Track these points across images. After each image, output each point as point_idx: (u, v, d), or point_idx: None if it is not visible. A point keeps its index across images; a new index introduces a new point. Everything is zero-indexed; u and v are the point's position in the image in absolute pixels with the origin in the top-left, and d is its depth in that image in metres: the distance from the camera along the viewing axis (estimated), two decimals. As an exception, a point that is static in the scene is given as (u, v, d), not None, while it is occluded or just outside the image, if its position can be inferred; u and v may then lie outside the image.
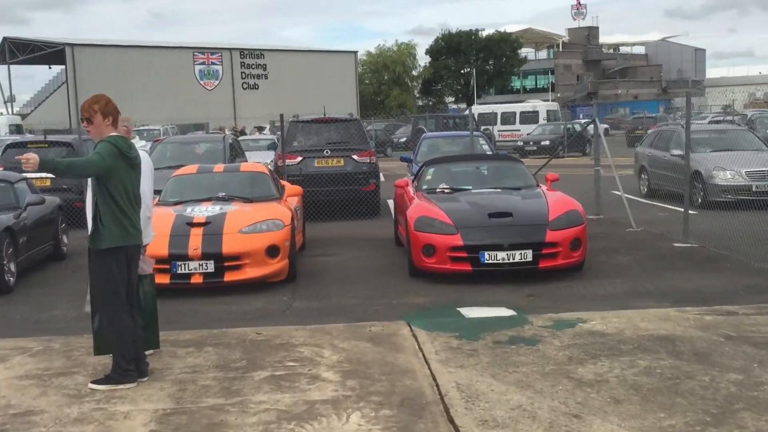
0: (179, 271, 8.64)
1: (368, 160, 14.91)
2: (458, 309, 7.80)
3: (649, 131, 34.22)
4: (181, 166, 14.20)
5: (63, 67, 62.29)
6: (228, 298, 8.58)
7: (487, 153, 15.42)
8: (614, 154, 13.85)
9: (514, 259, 8.69)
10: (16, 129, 34.14)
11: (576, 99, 79.18)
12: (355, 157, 14.85)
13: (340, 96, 67.12)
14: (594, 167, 14.10)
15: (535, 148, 32.22)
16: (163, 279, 8.64)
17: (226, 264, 8.73)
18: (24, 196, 10.66)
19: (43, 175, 14.42)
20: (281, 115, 14.35)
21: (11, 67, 65.05)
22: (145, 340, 6.04)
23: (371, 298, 8.43)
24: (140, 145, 6.33)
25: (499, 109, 42.09)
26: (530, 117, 40.22)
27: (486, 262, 8.71)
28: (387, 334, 6.78)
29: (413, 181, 11.33)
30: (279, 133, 35.92)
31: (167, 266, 8.65)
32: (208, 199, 9.98)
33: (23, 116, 55.68)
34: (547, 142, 32.21)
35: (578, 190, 13.76)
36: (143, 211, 6.16)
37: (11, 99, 65.79)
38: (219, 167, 11.20)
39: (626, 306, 7.60)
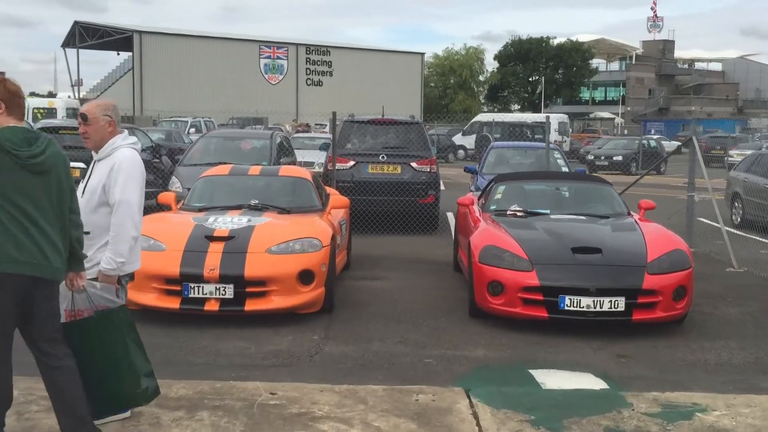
0: (191, 295, 7.09)
1: (428, 169, 13.23)
2: (530, 371, 6.09)
3: (731, 151, 32.04)
4: (222, 163, 12.81)
5: (131, 53, 62.03)
6: (247, 331, 6.99)
7: (563, 170, 13.61)
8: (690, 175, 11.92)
9: (601, 307, 6.92)
10: (74, 113, 33.15)
11: (647, 113, 76.30)
12: (413, 164, 13.17)
13: (404, 97, 65.60)
14: (687, 192, 12.16)
15: (606, 162, 30.14)
16: (172, 303, 7.12)
17: (248, 289, 7.15)
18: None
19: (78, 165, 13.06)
20: (333, 114, 12.76)
21: (82, 51, 65.14)
22: (106, 406, 4.46)
23: (422, 346, 6.75)
24: (128, 142, 4.74)
25: (510, 118, 40.31)
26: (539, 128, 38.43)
27: (566, 308, 6.96)
28: (439, 409, 5.10)
29: (479, 199, 9.62)
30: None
31: (178, 287, 7.11)
32: (238, 207, 8.43)
33: (85, 101, 55.31)
34: (620, 158, 30.07)
35: (658, 214, 11.86)
36: (127, 229, 4.59)
37: (78, 83, 65.82)
38: (255, 169, 9.63)
39: (753, 386, 5.79)
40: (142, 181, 4.70)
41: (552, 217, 8.43)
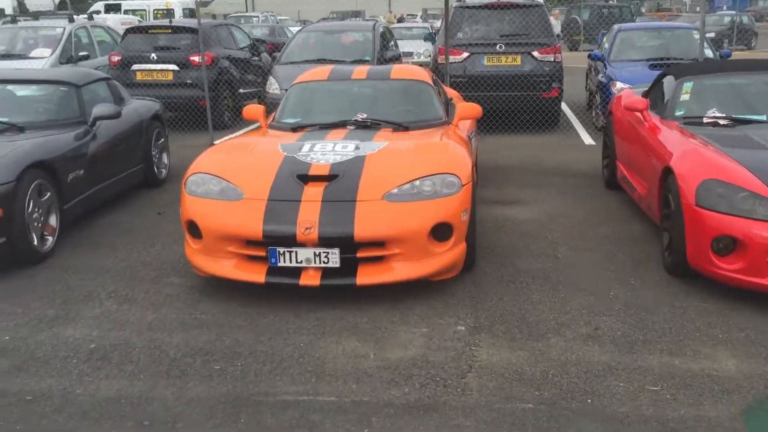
0: (281, 263, 4.13)
1: (552, 59, 9.71)
2: None
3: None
4: (321, 62, 9.67)
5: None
6: (361, 317, 4.05)
7: (711, 56, 9.85)
8: None
9: None
10: (190, 13, 29.74)
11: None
12: (535, 53, 9.67)
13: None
14: None
15: (698, 41, 25.24)
16: (255, 274, 4.18)
17: (360, 254, 4.15)
18: (97, 104, 6.30)
19: (157, 66, 10.19)
20: (446, -2, 9.26)
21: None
22: None
23: (627, 346, 3.65)
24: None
25: None
26: None
27: None
28: None
29: (646, 97, 6.18)
30: (431, 21, 30.04)
31: (262, 252, 4.16)
32: (342, 125, 5.33)
33: (204, 3, 51.75)
34: (712, 34, 25.10)
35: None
36: None
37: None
38: (360, 71, 6.27)
39: None
40: None
41: (778, 127, 5.01)
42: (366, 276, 4.13)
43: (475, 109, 5.81)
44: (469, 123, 6.20)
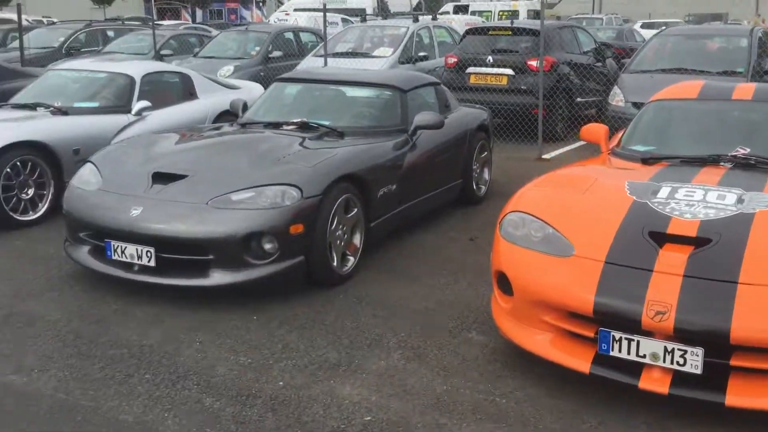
0: (615, 353, 2.99)
1: None
2: None
3: None
4: (681, 71, 8.19)
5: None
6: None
7: None
8: None
9: None
10: (535, 15, 28.97)
11: None
12: None
13: None
14: None
15: None
16: (579, 359, 3.15)
17: (733, 362, 2.85)
18: (420, 111, 5.71)
19: (492, 70, 9.51)
20: None
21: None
22: None
23: None
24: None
25: None
26: None
27: None
28: None
29: None
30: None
31: (591, 332, 3.09)
32: (714, 161, 3.96)
33: (551, 4, 50.85)
34: None
35: None
36: None
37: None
38: (744, 89, 4.62)
39: None
40: None
41: None
42: (741, 395, 2.83)
43: None
44: None
